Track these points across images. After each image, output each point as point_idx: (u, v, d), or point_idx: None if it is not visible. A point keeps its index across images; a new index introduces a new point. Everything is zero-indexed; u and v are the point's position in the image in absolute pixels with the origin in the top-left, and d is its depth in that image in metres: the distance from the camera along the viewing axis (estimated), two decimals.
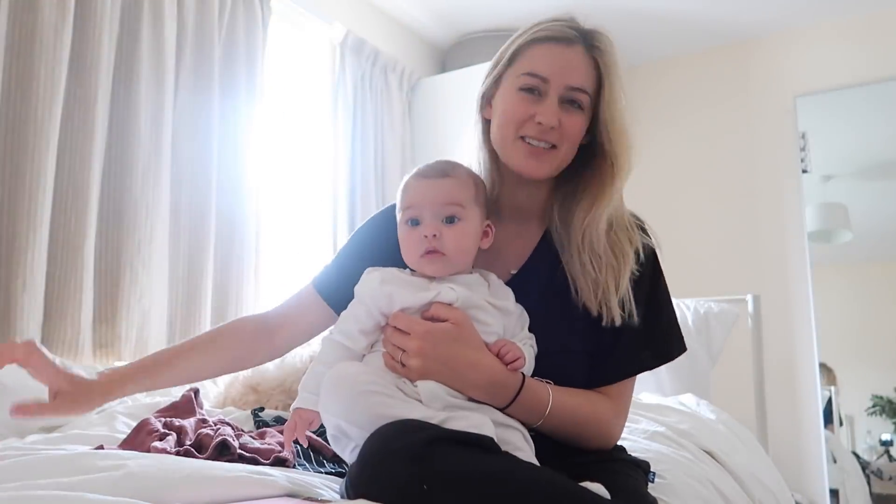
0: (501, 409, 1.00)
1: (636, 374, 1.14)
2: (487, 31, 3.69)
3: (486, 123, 1.18)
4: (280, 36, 2.98)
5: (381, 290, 1.01)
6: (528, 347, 1.05)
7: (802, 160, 3.60)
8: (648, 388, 2.63)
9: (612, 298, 1.07)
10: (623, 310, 1.08)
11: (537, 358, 1.07)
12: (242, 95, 2.58)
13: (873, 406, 3.49)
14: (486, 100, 1.18)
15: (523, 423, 1.02)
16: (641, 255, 1.12)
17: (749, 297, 2.99)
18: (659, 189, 3.84)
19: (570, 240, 1.12)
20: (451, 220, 1.02)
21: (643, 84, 4.02)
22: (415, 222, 1.03)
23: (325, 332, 1.08)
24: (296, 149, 3.01)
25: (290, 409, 1.03)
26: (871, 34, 3.50)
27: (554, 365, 1.07)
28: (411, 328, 0.98)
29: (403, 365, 0.97)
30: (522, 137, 1.10)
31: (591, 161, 1.14)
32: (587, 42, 1.12)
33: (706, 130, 3.85)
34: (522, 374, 1.02)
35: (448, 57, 3.86)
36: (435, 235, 1.01)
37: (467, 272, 1.07)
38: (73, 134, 2.04)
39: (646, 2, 3.42)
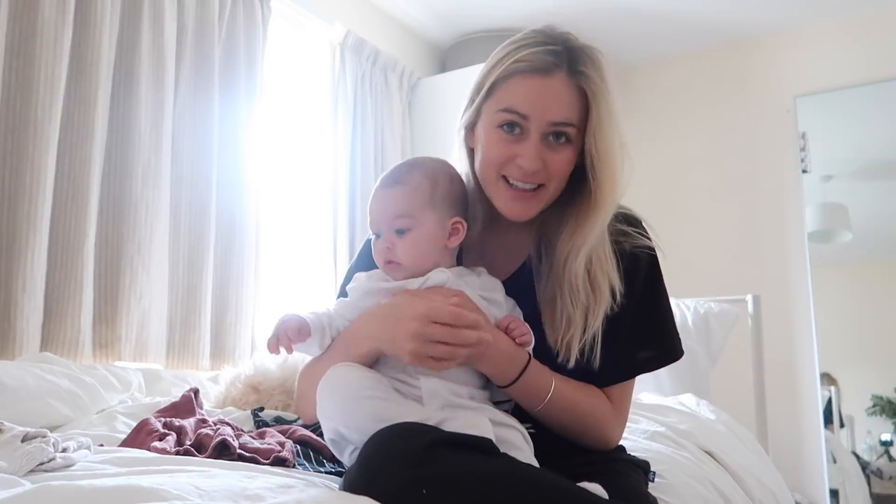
0: (504, 387, 1.00)
1: (634, 376, 1.13)
2: (487, 31, 3.70)
3: (472, 151, 1.14)
4: (280, 36, 2.98)
5: (363, 301, 1.06)
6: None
7: (802, 160, 3.60)
8: (648, 388, 2.63)
9: (576, 341, 1.03)
10: (582, 356, 1.04)
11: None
12: (242, 95, 2.58)
13: (873, 406, 3.49)
14: (469, 128, 1.13)
15: (523, 407, 1.03)
16: (619, 294, 1.06)
17: (749, 298, 2.99)
18: (659, 189, 3.84)
19: (551, 267, 1.07)
20: (401, 231, 1.03)
21: (643, 84, 4.02)
22: (376, 234, 1.07)
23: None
24: (296, 149, 3.01)
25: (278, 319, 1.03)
26: (871, 34, 3.50)
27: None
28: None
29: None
30: (505, 177, 1.05)
31: (578, 186, 1.07)
32: (571, 67, 1.03)
33: (706, 130, 3.85)
34: (529, 353, 1.02)
35: (448, 57, 3.86)
36: (388, 248, 1.04)
37: (449, 265, 1.07)
38: (73, 134, 2.04)
39: (645, 1, 3.42)
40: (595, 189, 1.04)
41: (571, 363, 1.04)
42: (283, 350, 1.02)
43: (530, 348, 1.03)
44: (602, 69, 1.04)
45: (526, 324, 1.04)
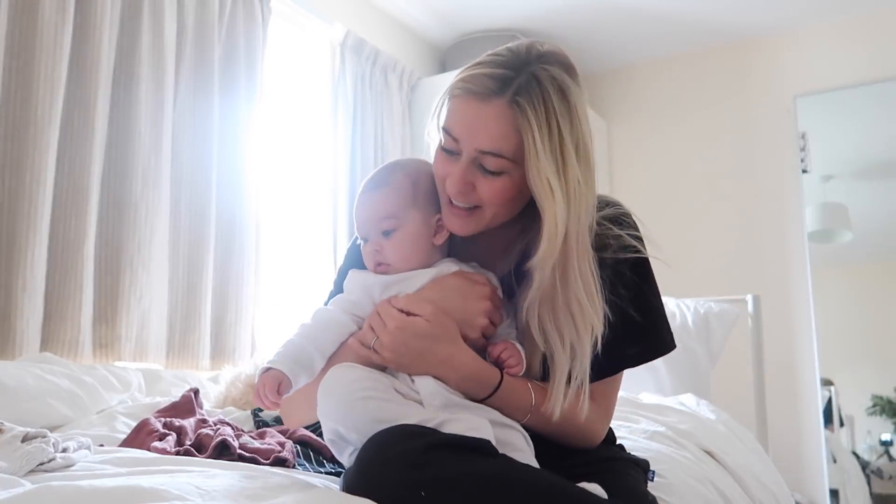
0: (478, 401, 0.99)
1: (616, 372, 1.11)
2: (487, 31, 3.70)
3: None
4: (280, 36, 2.98)
5: (384, 294, 1.04)
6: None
7: (802, 160, 3.60)
8: (648, 388, 2.62)
9: (558, 395, 0.99)
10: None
11: None
12: (242, 95, 2.58)
13: (873, 406, 3.49)
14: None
15: (518, 420, 1.01)
16: (599, 340, 1.00)
17: (749, 297, 2.99)
18: (659, 189, 3.84)
19: (523, 316, 1.03)
20: (387, 233, 1.04)
21: (642, 83, 4.03)
22: (364, 240, 1.07)
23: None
24: (296, 149, 3.01)
25: (258, 371, 0.99)
26: (871, 34, 3.50)
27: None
28: (385, 320, 0.98)
29: (375, 350, 0.98)
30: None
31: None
32: (514, 96, 0.96)
33: (706, 130, 3.85)
34: (502, 372, 1.00)
35: (448, 57, 3.86)
36: (377, 250, 1.04)
37: (441, 259, 1.07)
38: (73, 134, 2.04)
39: (645, 1, 3.42)
40: (542, 222, 0.98)
41: (556, 414, 0.99)
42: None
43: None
44: (551, 101, 0.96)
45: (520, 349, 1.01)
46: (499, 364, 1.01)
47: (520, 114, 0.95)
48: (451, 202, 1.04)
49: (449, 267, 1.05)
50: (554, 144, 0.95)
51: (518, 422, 1.02)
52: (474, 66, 1.01)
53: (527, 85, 0.96)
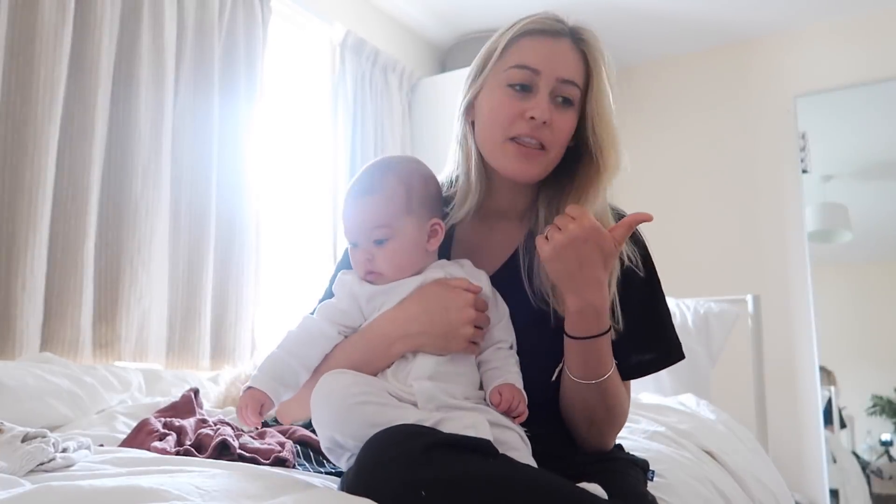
0: (575, 338, 1.01)
1: (637, 378, 1.13)
2: (487, 31, 3.68)
3: (472, 126, 1.13)
4: (280, 36, 2.98)
5: (370, 304, 1.03)
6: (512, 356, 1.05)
7: (802, 160, 3.60)
8: (648, 388, 2.63)
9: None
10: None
11: None
12: (242, 95, 2.58)
13: (873, 406, 3.49)
14: (471, 104, 1.14)
15: (576, 376, 1.02)
16: (627, 259, 1.07)
17: (749, 297, 2.99)
18: (659, 189, 3.84)
19: None
20: (380, 241, 1.01)
21: (643, 84, 4.02)
22: (354, 244, 1.04)
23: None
24: (296, 149, 3.01)
25: (241, 389, 0.99)
26: (871, 34, 3.50)
27: (521, 365, 1.05)
28: (581, 219, 0.97)
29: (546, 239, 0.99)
30: (512, 138, 1.05)
31: (577, 161, 1.09)
32: (574, 35, 1.09)
33: (706, 131, 3.85)
34: (611, 326, 1.02)
35: (448, 57, 3.86)
36: (369, 259, 1.02)
37: (432, 262, 1.06)
38: (73, 134, 2.04)
39: (646, 1, 3.42)
40: (598, 153, 1.06)
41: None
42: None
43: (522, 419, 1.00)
44: (601, 45, 1.09)
45: (521, 390, 1.00)
46: (507, 414, 0.97)
47: (586, 47, 1.08)
48: (518, 145, 1.05)
49: (434, 273, 1.03)
50: (611, 78, 1.09)
51: (587, 381, 1.02)
52: (526, 18, 1.10)
53: (579, 30, 1.10)
